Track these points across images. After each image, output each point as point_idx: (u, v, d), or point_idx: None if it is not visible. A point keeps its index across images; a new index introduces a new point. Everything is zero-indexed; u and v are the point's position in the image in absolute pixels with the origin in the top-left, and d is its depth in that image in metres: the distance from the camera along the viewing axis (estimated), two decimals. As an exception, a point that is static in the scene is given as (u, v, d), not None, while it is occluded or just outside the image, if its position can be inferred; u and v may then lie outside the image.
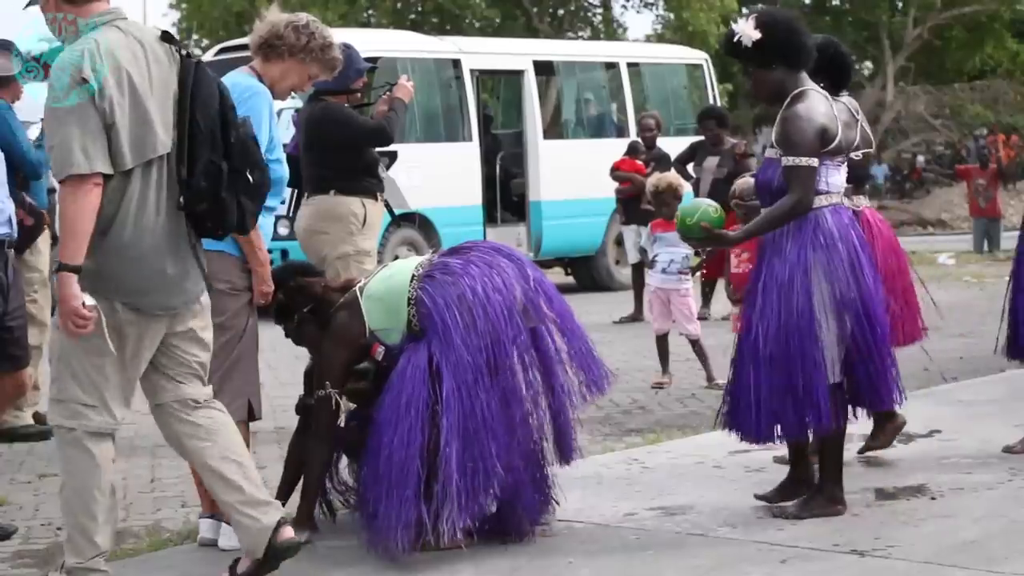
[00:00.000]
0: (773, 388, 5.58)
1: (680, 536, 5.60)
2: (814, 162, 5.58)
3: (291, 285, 5.66)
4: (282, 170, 5.70)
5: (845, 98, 6.15)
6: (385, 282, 5.49)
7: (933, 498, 6.07)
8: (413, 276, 5.42)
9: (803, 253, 5.61)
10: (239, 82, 5.58)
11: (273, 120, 5.63)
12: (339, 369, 5.44)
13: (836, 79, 6.28)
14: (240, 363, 5.56)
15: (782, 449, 6.18)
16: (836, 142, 5.67)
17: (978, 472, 6.49)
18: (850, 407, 5.84)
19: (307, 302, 5.64)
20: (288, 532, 4.90)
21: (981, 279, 16.35)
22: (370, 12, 33.58)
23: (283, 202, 5.92)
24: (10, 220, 6.12)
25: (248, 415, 5.56)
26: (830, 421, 5.60)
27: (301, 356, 8.40)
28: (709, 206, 5.87)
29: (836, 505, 5.76)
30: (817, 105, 5.67)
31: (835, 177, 5.73)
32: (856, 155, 6.05)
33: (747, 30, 5.60)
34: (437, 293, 5.33)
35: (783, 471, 6.14)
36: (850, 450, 6.66)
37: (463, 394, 5.18)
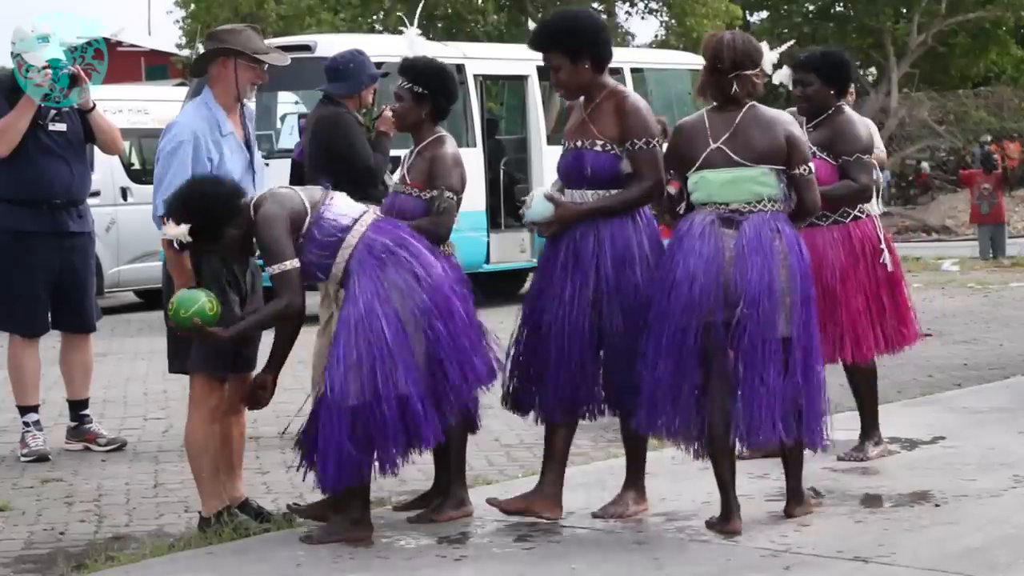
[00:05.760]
0: None
1: (683, 542, 5.60)
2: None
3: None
4: None
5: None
6: None
7: (937, 505, 6.06)
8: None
9: None
10: None
11: None
12: None
13: (840, 85, 6.85)
14: None
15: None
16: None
17: (982, 479, 6.48)
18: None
19: None
20: None
21: (985, 285, 16.34)
22: (375, 18, 33.59)
23: None
24: None
25: None
26: None
27: (304, 361, 8.41)
28: (208, 302, 5.62)
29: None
30: None
31: None
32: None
33: None
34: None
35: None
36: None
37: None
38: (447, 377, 5.63)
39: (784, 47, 6.31)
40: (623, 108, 5.84)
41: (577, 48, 5.85)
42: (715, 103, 5.84)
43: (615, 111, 5.85)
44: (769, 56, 5.98)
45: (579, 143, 5.88)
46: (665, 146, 6.01)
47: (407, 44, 6.54)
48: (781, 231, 5.68)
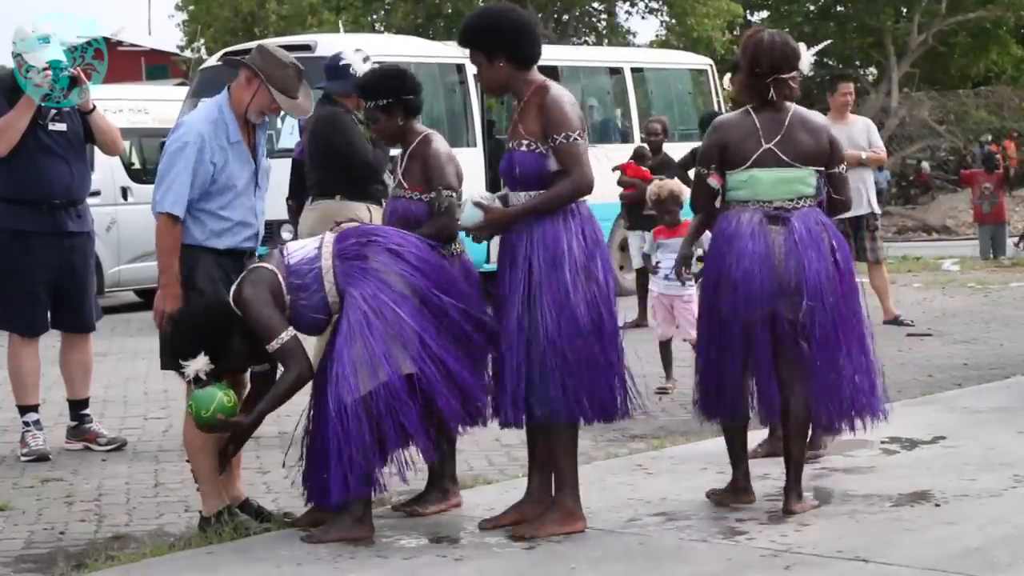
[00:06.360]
0: None
1: (683, 542, 5.60)
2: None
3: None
4: None
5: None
6: None
7: (937, 504, 6.06)
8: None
9: None
10: None
11: None
12: None
13: None
14: None
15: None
16: None
17: (982, 478, 6.48)
18: None
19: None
20: None
21: (985, 285, 16.34)
22: (375, 17, 33.58)
23: None
24: (257, 235, 6.20)
25: None
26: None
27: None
28: (224, 395, 5.61)
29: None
30: None
31: None
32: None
33: None
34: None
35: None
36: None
37: None
38: (471, 340, 5.73)
39: (821, 46, 6.42)
40: (543, 104, 5.70)
41: (491, 46, 5.78)
42: (754, 104, 6.01)
43: (537, 108, 5.72)
44: (806, 56, 6.08)
45: (511, 144, 5.83)
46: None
47: (356, 64, 6.70)
48: (825, 224, 5.96)
